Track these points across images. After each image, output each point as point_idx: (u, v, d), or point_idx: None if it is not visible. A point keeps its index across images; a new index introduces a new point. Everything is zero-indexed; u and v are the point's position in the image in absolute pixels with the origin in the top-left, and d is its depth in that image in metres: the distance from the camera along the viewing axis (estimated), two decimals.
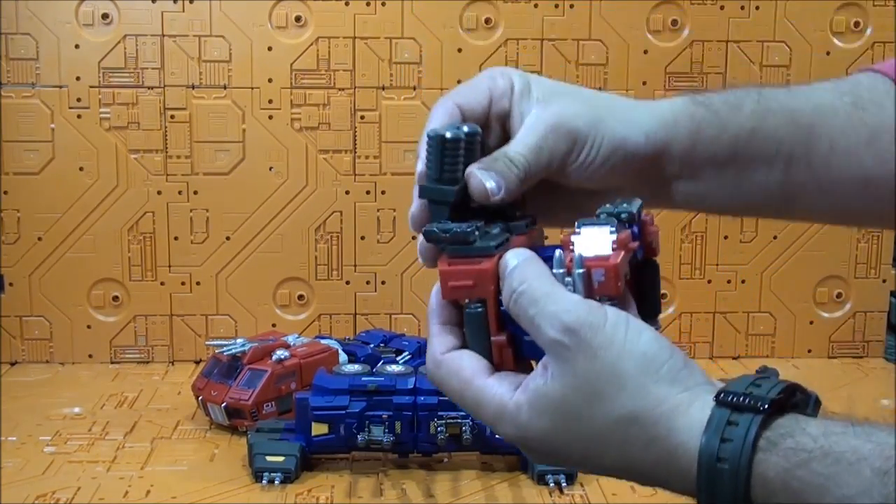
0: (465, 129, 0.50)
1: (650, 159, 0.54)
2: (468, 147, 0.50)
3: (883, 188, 0.55)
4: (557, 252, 0.45)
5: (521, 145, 0.51)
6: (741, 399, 0.41)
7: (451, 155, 0.50)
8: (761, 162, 0.55)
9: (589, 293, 0.44)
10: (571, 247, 0.45)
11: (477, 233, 0.47)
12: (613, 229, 0.46)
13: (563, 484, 0.78)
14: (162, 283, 1.11)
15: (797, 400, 0.43)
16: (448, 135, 0.49)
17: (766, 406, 0.41)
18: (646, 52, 1.11)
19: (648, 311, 0.49)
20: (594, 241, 0.46)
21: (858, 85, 0.57)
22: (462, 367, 0.48)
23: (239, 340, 0.92)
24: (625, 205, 0.48)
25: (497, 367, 0.47)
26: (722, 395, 0.41)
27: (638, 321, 0.44)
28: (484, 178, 0.49)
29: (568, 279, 0.45)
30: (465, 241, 0.47)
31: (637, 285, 0.50)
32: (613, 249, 0.45)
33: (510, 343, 0.47)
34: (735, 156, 0.55)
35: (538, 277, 0.45)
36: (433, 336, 0.50)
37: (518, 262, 0.45)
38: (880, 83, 0.57)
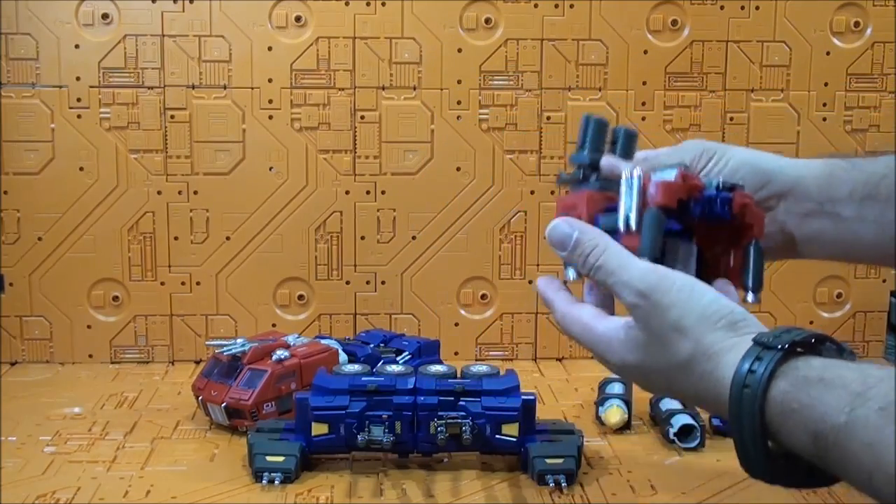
0: (623, 126, 0.67)
1: (783, 186, 0.64)
2: (626, 141, 0.66)
3: None
4: (625, 173, 0.59)
5: (658, 150, 0.69)
6: (770, 340, 0.51)
7: (595, 134, 0.65)
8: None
9: (642, 202, 0.58)
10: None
11: (580, 177, 0.64)
12: (676, 170, 0.59)
13: (563, 484, 0.77)
14: (162, 283, 1.11)
15: (827, 348, 0.52)
16: (595, 117, 0.66)
17: (786, 346, 0.50)
18: (646, 52, 1.11)
19: (753, 285, 0.60)
20: (663, 175, 0.59)
21: None
22: (581, 316, 0.59)
23: (239, 340, 0.92)
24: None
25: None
26: (758, 337, 0.51)
27: (702, 285, 0.55)
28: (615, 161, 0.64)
29: (630, 192, 0.58)
30: (572, 181, 0.65)
31: (743, 261, 0.61)
32: (674, 179, 0.58)
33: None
34: (875, 192, 0.62)
35: (609, 252, 0.57)
36: (555, 296, 0.61)
37: (592, 240, 0.58)
38: None
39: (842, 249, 0.65)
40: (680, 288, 0.54)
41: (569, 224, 0.59)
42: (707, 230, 0.61)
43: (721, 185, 0.60)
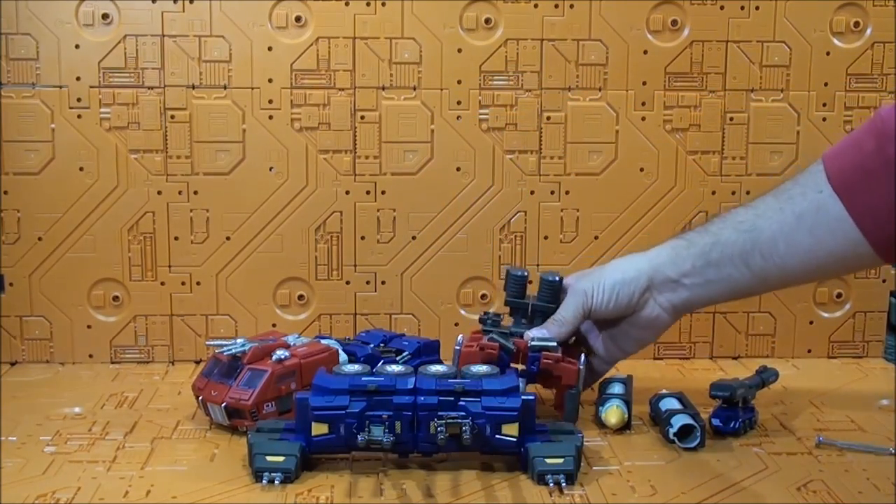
0: (549, 276, 0.93)
1: (646, 281, 0.87)
2: (548, 289, 0.93)
3: (820, 253, 0.77)
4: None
5: (560, 312, 0.91)
6: None
7: (516, 285, 0.94)
8: (727, 262, 0.83)
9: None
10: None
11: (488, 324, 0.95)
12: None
13: (563, 484, 0.77)
14: (162, 283, 1.11)
15: None
16: (519, 273, 0.94)
17: None
18: (646, 52, 1.11)
19: (567, 418, 0.88)
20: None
21: (794, 181, 0.81)
22: None
23: (239, 340, 0.92)
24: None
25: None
26: None
27: None
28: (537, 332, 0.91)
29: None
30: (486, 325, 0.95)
31: (561, 401, 0.90)
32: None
33: None
34: (709, 258, 0.84)
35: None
36: None
37: None
38: (812, 169, 0.80)
39: (706, 304, 0.88)
40: None
41: None
42: (548, 378, 0.90)
43: (534, 349, 0.88)
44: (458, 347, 0.90)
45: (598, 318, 0.91)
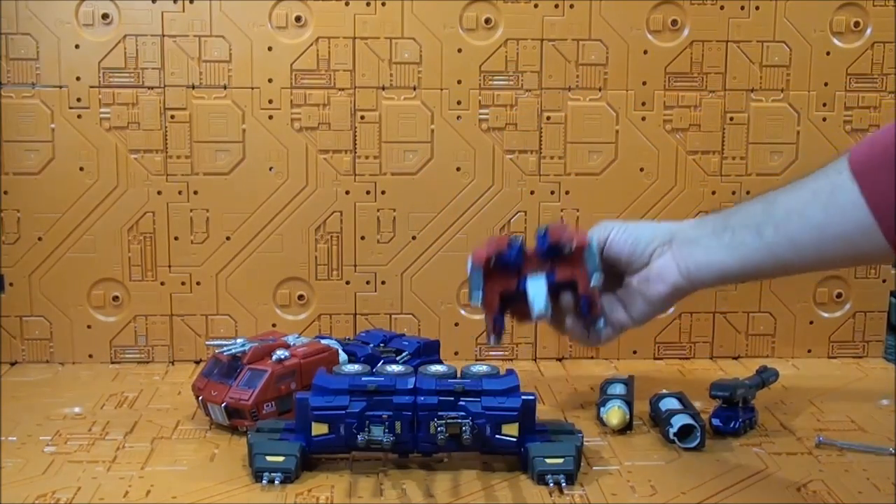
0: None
1: (666, 235, 0.86)
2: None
3: (830, 233, 0.76)
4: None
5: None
6: None
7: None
8: (743, 228, 0.81)
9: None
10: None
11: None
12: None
13: (563, 484, 0.78)
14: (162, 283, 1.11)
15: None
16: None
17: None
18: (646, 52, 1.11)
19: (591, 270, 0.83)
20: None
21: (824, 166, 0.79)
22: None
23: (239, 340, 0.92)
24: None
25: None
26: None
27: None
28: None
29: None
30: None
31: (582, 262, 0.84)
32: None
33: None
34: (726, 223, 0.83)
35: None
36: None
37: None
38: (841, 156, 0.77)
39: (716, 272, 0.84)
40: None
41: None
42: (562, 264, 0.85)
43: (543, 230, 0.85)
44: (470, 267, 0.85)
45: (613, 255, 0.87)
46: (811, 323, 1.17)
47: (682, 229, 0.86)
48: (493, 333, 0.86)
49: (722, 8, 1.10)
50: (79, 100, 1.07)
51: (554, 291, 0.85)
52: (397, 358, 0.96)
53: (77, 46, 1.07)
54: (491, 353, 1.15)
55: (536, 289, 0.84)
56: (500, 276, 0.85)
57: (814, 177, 0.79)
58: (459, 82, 1.10)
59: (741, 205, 0.85)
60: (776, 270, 0.84)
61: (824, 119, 1.13)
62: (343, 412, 0.79)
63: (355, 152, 1.11)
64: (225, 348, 0.92)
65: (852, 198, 0.74)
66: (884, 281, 1.17)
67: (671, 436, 0.87)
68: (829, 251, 0.78)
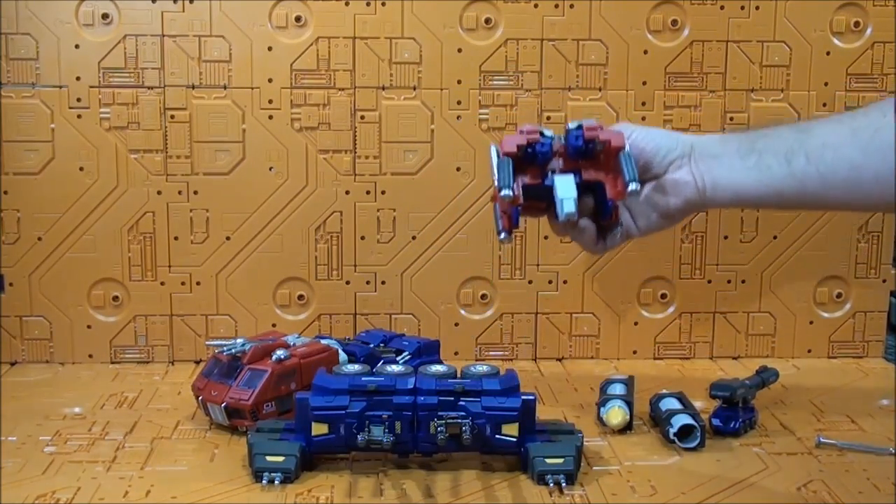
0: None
1: (686, 146, 0.82)
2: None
3: (867, 174, 0.74)
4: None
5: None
6: None
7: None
8: (770, 153, 0.78)
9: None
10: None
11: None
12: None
13: (563, 484, 0.78)
14: (162, 283, 1.11)
15: None
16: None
17: None
18: (646, 52, 1.11)
19: (630, 177, 0.75)
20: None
21: (866, 106, 0.77)
22: None
23: (239, 340, 0.92)
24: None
25: None
26: None
27: None
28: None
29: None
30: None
31: (617, 166, 0.77)
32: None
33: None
34: (753, 146, 0.79)
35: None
36: None
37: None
38: (887, 98, 0.76)
39: (734, 193, 0.80)
40: None
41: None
42: (590, 165, 0.79)
43: (576, 126, 0.78)
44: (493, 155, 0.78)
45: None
46: (811, 323, 1.17)
47: (704, 143, 0.82)
48: (504, 230, 0.81)
49: (722, 8, 1.10)
50: (79, 100, 1.07)
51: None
52: (397, 358, 0.96)
53: (77, 46, 1.07)
54: (490, 353, 1.15)
55: (565, 187, 0.77)
56: (524, 169, 0.78)
57: (853, 115, 0.76)
58: (459, 82, 1.10)
59: (768, 128, 0.81)
60: (798, 202, 0.80)
61: None
62: (343, 412, 0.79)
63: (355, 152, 1.10)
64: (225, 348, 0.92)
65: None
66: (884, 281, 1.17)
67: (671, 436, 0.87)
68: (861, 192, 0.75)
